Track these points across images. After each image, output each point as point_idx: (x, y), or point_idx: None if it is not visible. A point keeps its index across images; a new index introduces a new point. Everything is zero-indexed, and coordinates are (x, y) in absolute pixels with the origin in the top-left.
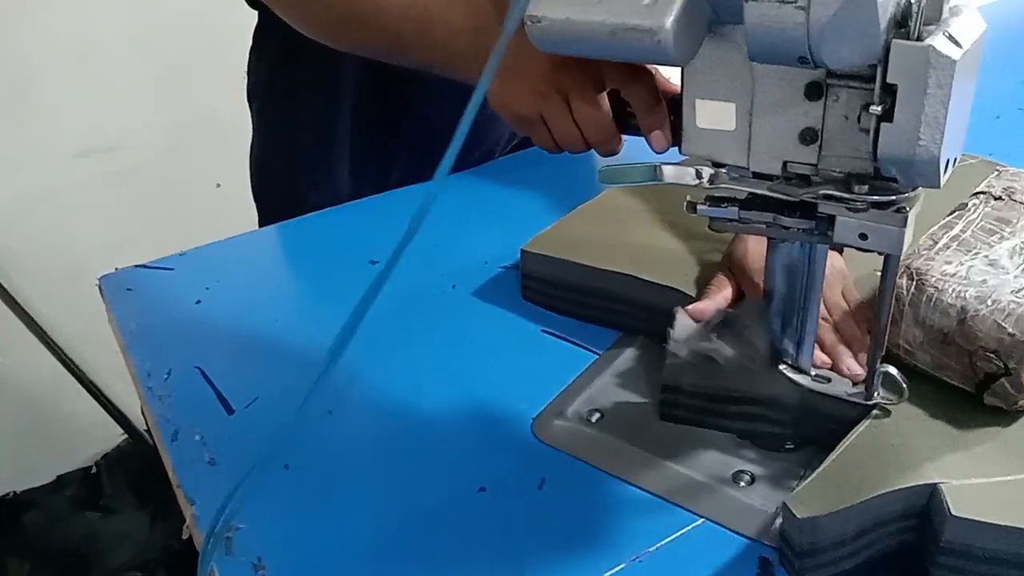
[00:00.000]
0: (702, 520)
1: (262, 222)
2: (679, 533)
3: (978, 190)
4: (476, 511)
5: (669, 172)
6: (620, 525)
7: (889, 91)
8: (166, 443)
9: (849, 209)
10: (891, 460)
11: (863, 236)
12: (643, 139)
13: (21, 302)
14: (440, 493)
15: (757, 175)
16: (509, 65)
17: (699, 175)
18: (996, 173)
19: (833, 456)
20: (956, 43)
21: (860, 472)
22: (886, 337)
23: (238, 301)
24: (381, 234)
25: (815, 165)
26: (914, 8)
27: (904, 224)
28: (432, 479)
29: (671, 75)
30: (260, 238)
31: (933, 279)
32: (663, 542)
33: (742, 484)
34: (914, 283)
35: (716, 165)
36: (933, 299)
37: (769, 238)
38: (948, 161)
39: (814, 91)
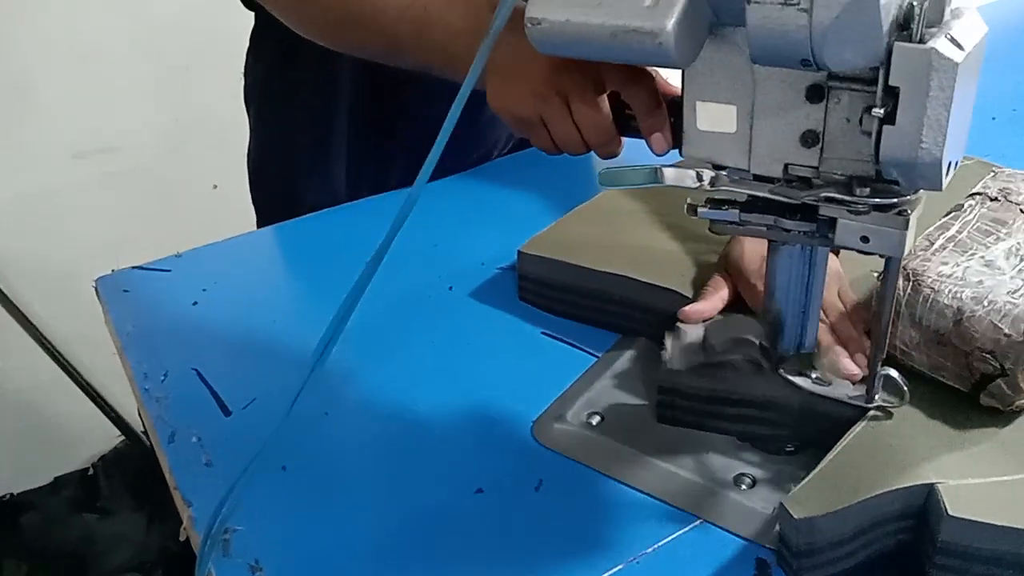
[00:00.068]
0: (699, 522)
1: (260, 223)
2: (676, 535)
3: (974, 191)
4: (473, 512)
5: (670, 174)
6: (617, 526)
7: (891, 94)
8: (163, 445)
9: (850, 212)
10: (888, 460)
11: (864, 239)
12: (643, 141)
13: (18, 304)
14: (438, 494)
15: (758, 177)
16: (509, 66)
17: (700, 177)
18: (992, 174)
19: (830, 456)
20: (958, 46)
21: (857, 472)
22: (887, 340)
23: (235, 302)
24: (378, 235)
25: (816, 168)
26: (916, 10)
27: (906, 227)
28: (429, 480)
29: (670, 76)
30: (257, 239)
31: (929, 280)
32: (660, 543)
33: (743, 487)
34: (910, 284)
35: (717, 167)
36: (929, 300)
37: (770, 241)
38: (950, 164)
39: (815, 93)
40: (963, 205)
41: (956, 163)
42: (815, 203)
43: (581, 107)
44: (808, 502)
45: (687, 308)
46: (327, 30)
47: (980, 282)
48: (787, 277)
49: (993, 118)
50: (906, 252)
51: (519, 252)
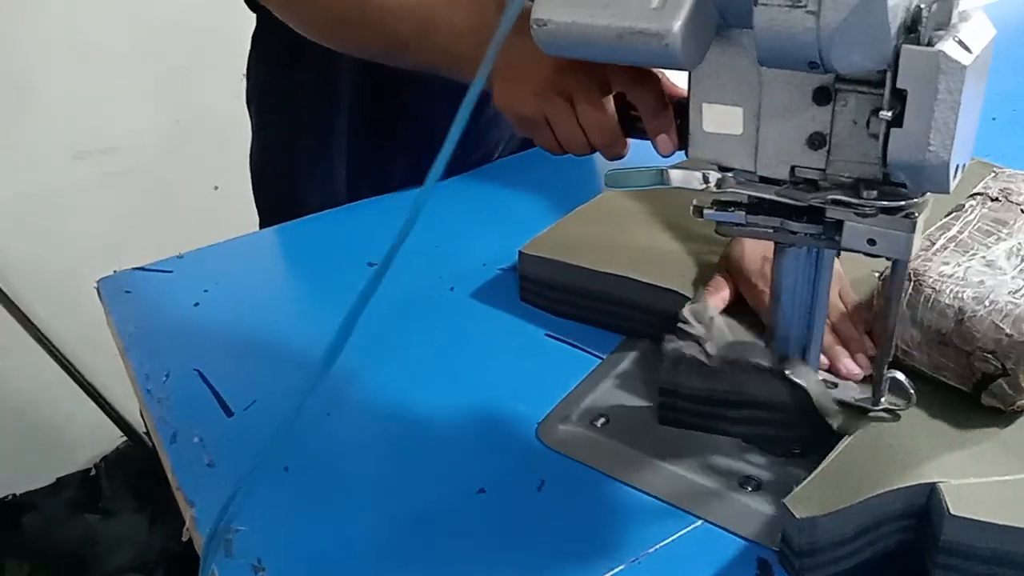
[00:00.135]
0: (700, 522)
1: (263, 224)
2: (677, 535)
3: (975, 191)
4: (475, 512)
5: (676, 176)
6: (619, 527)
7: (899, 96)
8: (165, 445)
9: (857, 214)
10: (890, 460)
11: (871, 241)
12: (649, 143)
13: (19, 304)
14: (439, 494)
15: (764, 180)
16: (514, 67)
17: (706, 179)
18: (993, 175)
19: (832, 456)
20: (966, 48)
21: (859, 472)
22: (894, 342)
23: (237, 303)
24: (379, 236)
25: (823, 170)
26: (924, 13)
27: (913, 229)
28: (431, 481)
29: (676, 78)
30: (258, 240)
31: (931, 280)
32: (661, 544)
33: (748, 489)
34: (912, 284)
35: (723, 169)
36: (931, 300)
37: (776, 243)
38: (957, 166)
39: (822, 96)
40: (964, 205)
41: (963, 165)
42: (822, 205)
43: (586, 108)
44: (810, 501)
45: (688, 307)
46: (328, 30)
47: (981, 282)
48: (793, 279)
49: (993, 118)
50: (913, 255)
51: (520, 253)
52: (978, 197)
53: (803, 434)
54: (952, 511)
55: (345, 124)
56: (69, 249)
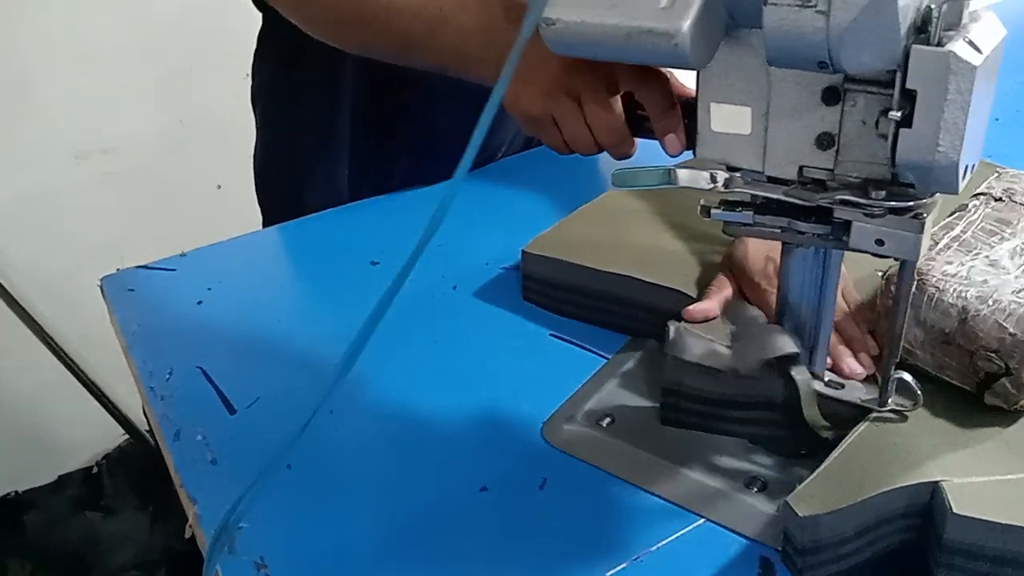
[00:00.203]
0: (703, 521)
1: (266, 223)
2: (679, 534)
3: (978, 191)
4: (478, 510)
5: (684, 176)
6: (621, 526)
7: (908, 97)
8: (168, 443)
9: (866, 215)
10: (893, 458)
11: (879, 242)
12: (656, 142)
13: (22, 303)
14: (442, 493)
15: (772, 179)
16: (522, 66)
17: (714, 179)
18: (996, 175)
19: (835, 454)
20: (976, 49)
21: (862, 470)
22: (901, 343)
23: (240, 302)
24: (382, 235)
25: (831, 170)
26: (934, 13)
27: (921, 230)
28: (434, 479)
29: (684, 77)
30: (261, 239)
31: (934, 279)
32: (663, 542)
33: (754, 489)
34: (915, 283)
35: (731, 169)
36: (934, 299)
37: (784, 243)
38: (966, 167)
39: (831, 96)
40: (967, 205)
41: (972, 166)
42: (830, 206)
43: (594, 108)
44: (813, 500)
45: (691, 307)
46: (333, 29)
47: (985, 281)
48: (800, 280)
49: (996, 119)
50: (921, 256)
51: (523, 252)
52: (981, 197)
53: (808, 434)
54: (955, 510)
55: (347, 124)
56: (70, 249)
